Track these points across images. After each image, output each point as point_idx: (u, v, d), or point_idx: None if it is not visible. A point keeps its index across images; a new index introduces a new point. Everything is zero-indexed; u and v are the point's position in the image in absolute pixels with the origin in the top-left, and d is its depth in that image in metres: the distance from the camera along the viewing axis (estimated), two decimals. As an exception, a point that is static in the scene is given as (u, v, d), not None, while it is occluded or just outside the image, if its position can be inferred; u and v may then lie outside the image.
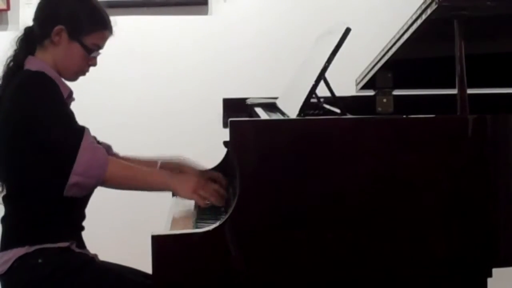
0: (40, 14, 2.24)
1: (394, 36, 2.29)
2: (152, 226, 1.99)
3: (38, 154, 2.09)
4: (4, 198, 2.20)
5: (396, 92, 2.62)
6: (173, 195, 2.43)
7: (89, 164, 2.06)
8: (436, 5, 1.99)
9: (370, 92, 2.67)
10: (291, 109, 2.10)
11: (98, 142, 2.40)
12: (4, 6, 3.58)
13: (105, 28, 2.24)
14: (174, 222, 2.14)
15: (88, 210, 2.27)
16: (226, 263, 1.88)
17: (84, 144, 2.07)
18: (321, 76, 2.06)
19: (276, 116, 2.32)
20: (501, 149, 1.97)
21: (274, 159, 1.90)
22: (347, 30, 2.05)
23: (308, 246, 1.90)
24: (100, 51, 2.27)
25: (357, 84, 2.74)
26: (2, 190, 2.20)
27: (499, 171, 1.97)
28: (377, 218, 1.92)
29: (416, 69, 2.56)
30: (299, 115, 2.01)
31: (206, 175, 2.35)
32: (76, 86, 2.27)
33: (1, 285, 2.17)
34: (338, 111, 2.32)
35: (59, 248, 2.12)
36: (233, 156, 1.95)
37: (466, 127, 1.96)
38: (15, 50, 2.23)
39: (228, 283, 1.90)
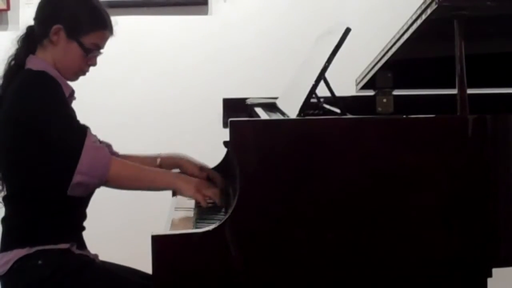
0: (40, 13, 2.24)
1: (394, 36, 2.29)
2: (152, 226, 1.99)
3: (40, 154, 2.09)
4: (4, 198, 2.20)
5: (396, 92, 2.62)
6: (173, 194, 2.43)
7: (93, 163, 2.06)
8: (436, 5, 1.99)
9: (370, 92, 2.67)
10: (291, 109, 2.10)
11: (99, 141, 2.41)
12: (4, 6, 3.58)
13: (104, 28, 2.23)
14: (174, 222, 2.14)
15: (88, 210, 2.27)
16: (226, 263, 1.88)
17: (87, 143, 2.07)
18: (321, 76, 2.06)
19: (276, 116, 2.32)
20: (501, 149, 1.97)
21: (274, 159, 1.90)
22: (347, 30, 2.05)
23: (308, 246, 1.90)
24: (101, 51, 2.26)
25: (357, 84, 2.74)
26: (2, 189, 2.20)
27: (499, 171, 1.97)
28: (377, 218, 1.92)
29: (416, 69, 2.56)
30: (299, 115, 2.01)
31: (205, 171, 2.37)
32: (76, 86, 2.27)
33: (1, 286, 2.17)
34: (338, 111, 2.32)
35: (59, 249, 2.12)
36: (233, 156, 1.95)
37: (466, 127, 1.96)
38: (17, 49, 2.23)
39: (228, 283, 1.90)
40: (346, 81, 2.70)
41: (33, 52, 2.22)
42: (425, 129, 1.95)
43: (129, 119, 3.63)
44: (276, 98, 2.56)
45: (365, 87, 2.68)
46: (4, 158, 2.17)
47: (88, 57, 2.22)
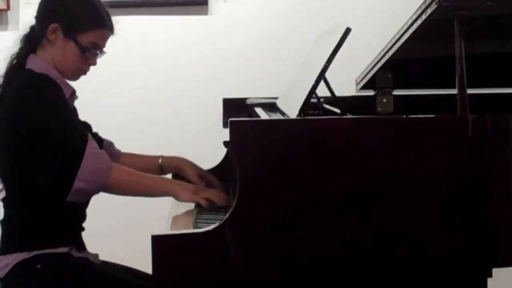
0: (39, 12, 2.23)
1: (394, 36, 2.29)
2: (152, 226, 1.99)
3: (39, 158, 2.08)
4: (3, 199, 2.19)
5: (396, 92, 2.62)
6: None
7: (94, 170, 2.05)
8: (436, 5, 1.99)
9: (370, 92, 2.67)
10: (291, 109, 2.10)
11: (101, 139, 2.41)
12: (4, 6, 3.58)
13: (103, 27, 2.21)
14: (174, 222, 2.14)
15: (88, 210, 2.27)
16: (226, 263, 1.88)
17: (88, 149, 2.06)
18: (321, 76, 2.06)
19: (276, 116, 2.32)
20: (501, 149, 1.97)
21: (274, 159, 1.90)
22: (347, 30, 2.05)
23: (307, 246, 1.90)
24: (104, 50, 2.24)
25: (357, 84, 2.74)
26: (2, 189, 2.19)
27: (499, 171, 1.97)
28: (377, 218, 1.92)
29: (416, 69, 2.56)
30: (299, 115, 2.01)
31: (204, 179, 2.38)
32: (76, 85, 2.26)
33: (1, 289, 2.17)
34: (338, 111, 2.32)
35: (58, 253, 2.11)
36: (233, 156, 1.95)
37: (466, 127, 1.96)
38: (19, 48, 2.22)
39: (228, 283, 1.90)
40: (346, 81, 2.70)
41: (34, 51, 2.20)
42: (425, 129, 1.95)
43: (129, 119, 3.63)
44: (276, 98, 2.56)
45: (365, 87, 2.68)
46: (2, 159, 2.16)
47: (85, 56, 2.20)
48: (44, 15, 2.21)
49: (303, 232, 1.90)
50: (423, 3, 2.06)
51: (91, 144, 2.09)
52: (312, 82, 2.05)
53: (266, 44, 3.63)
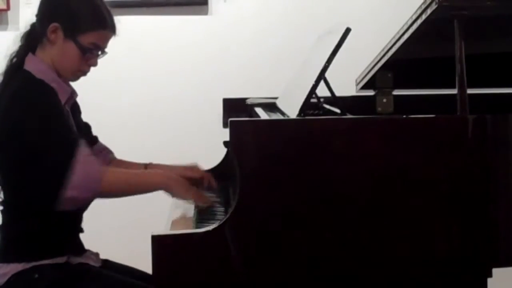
0: (40, 10, 2.21)
1: (394, 36, 2.29)
2: (152, 226, 1.98)
3: (29, 169, 2.03)
4: (2, 203, 2.17)
5: (396, 92, 2.62)
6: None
7: (85, 178, 2.01)
8: (436, 5, 1.99)
9: (370, 92, 2.67)
10: (291, 109, 2.10)
11: (103, 147, 2.39)
12: (4, 6, 3.58)
13: (104, 28, 2.18)
14: (174, 222, 2.14)
15: (88, 210, 2.26)
16: (226, 263, 1.88)
17: (78, 158, 2.00)
18: (321, 76, 2.06)
19: (276, 116, 2.32)
20: (501, 149, 1.97)
21: (274, 159, 1.90)
22: (347, 30, 2.05)
23: (308, 246, 1.90)
24: (106, 50, 2.22)
25: (357, 84, 2.74)
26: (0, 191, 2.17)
27: (499, 171, 1.97)
28: (377, 218, 1.92)
29: (416, 69, 2.56)
30: (299, 115, 2.01)
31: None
32: (75, 86, 2.25)
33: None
34: (338, 111, 2.32)
35: (56, 264, 2.10)
36: (233, 156, 1.95)
37: (466, 127, 1.96)
38: (19, 46, 2.20)
39: (228, 283, 1.90)
40: (346, 81, 2.70)
41: (33, 50, 2.18)
42: (425, 129, 1.95)
43: (129, 119, 3.64)
44: (276, 98, 2.56)
45: (365, 87, 2.68)
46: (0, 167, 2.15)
47: (85, 57, 2.17)
48: (44, 14, 2.19)
49: (303, 232, 1.90)
50: (423, 3, 2.06)
51: (82, 151, 2.04)
52: (312, 82, 2.05)
53: (266, 44, 3.63)
